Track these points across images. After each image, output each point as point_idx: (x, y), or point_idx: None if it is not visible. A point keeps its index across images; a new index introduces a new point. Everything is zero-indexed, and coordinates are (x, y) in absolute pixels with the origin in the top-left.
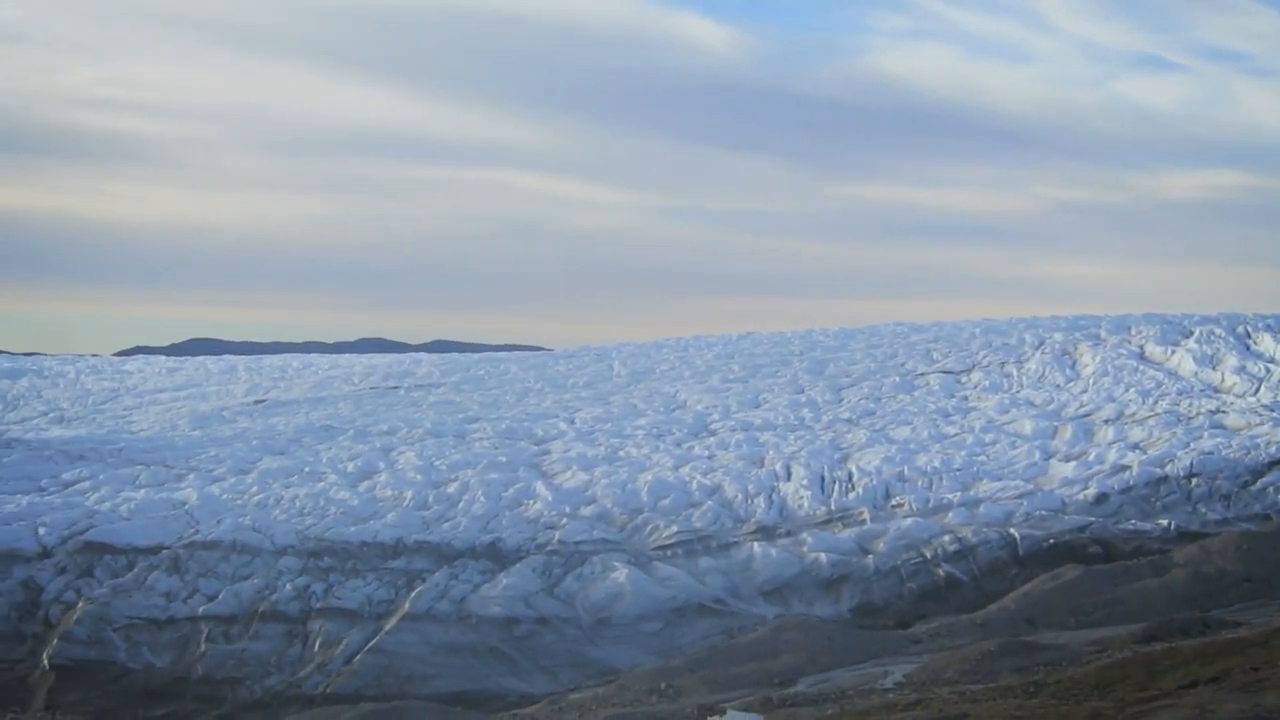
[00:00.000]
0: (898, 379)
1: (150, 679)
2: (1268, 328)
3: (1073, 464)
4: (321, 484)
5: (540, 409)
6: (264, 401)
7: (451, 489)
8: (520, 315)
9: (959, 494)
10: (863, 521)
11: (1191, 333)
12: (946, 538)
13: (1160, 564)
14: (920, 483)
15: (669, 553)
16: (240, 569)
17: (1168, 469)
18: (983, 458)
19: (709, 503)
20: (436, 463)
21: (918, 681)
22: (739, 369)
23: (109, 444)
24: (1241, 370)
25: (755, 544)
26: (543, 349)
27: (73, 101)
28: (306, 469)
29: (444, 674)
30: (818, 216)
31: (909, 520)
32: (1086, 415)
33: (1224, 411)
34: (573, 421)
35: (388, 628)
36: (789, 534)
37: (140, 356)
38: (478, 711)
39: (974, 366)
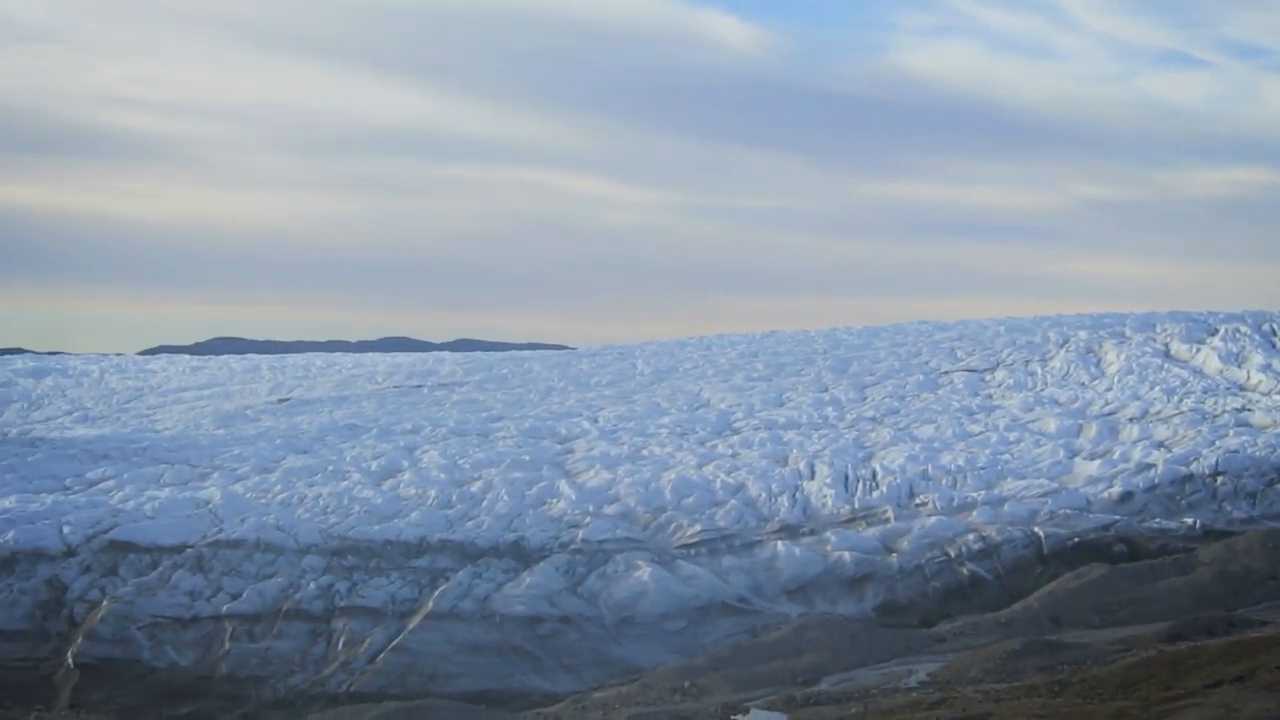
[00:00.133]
0: (922, 377)
1: (174, 677)
2: None
3: (1097, 462)
4: (345, 482)
5: (564, 408)
6: (288, 400)
7: (475, 488)
8: (544, 314)
9: (983, 492)
10: (887, 520)
11: (1217, 330)
12: (971, 536)
13: (1185, 562)
14: (944, 481)
15: (692, 551)
16: (264, 567)
17: (1193, 467)
18: (1007, 456)
19: (733, 501)
20: (460, 461)
21: (942, 680)
22: (763, 367)
23: (133, 443)
24: (1267, 368)
25: (779, 542)
26: (566, 348)
27: (97, 100)
28: (330, 467)
29: (467, 672)
30: (842, 214)
31: (933, 519)
32: (1111, 413)
33: (1249, 409)
34: (596, 420)
35: (411, 626)
36: (813, 532)
37: (164, 355)
38: (501, 710)
39: (998, 365)
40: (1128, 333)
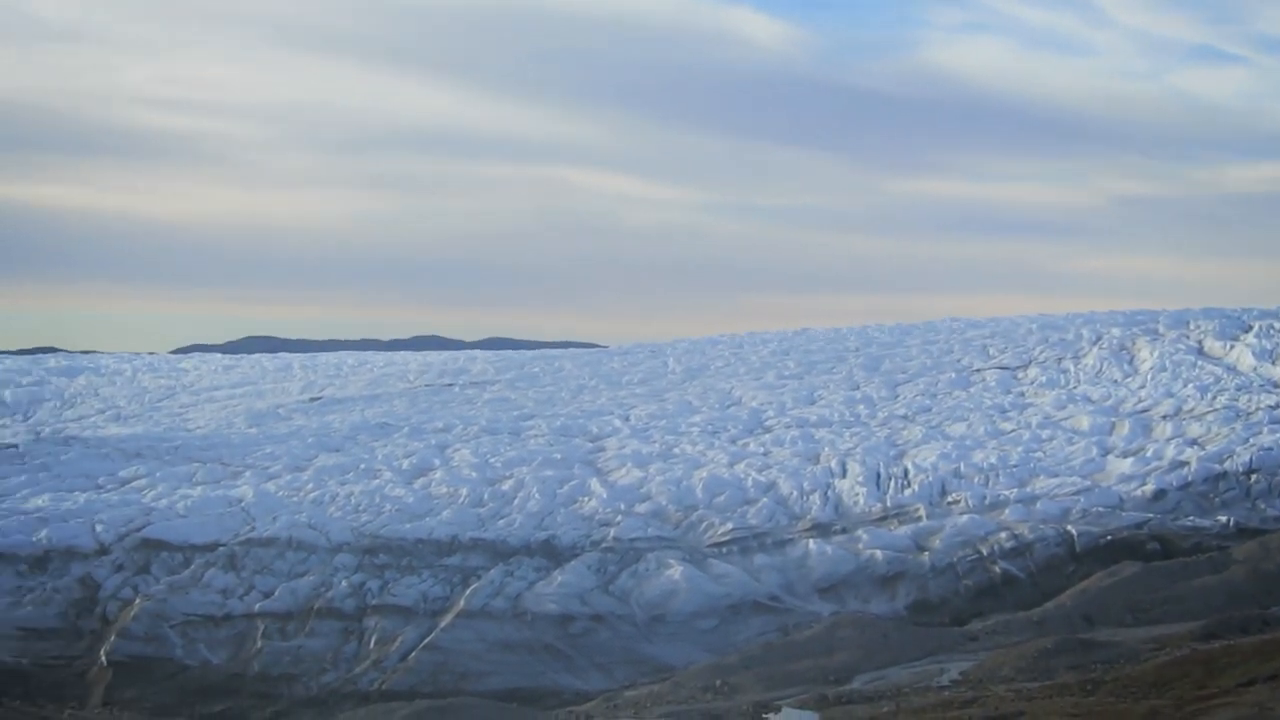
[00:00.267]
0: (954, 375)
1: (206, 675)
2: None
3: (1130, 460)
4: (377, 481)
5: (595, 406)
6: (319, 399)
7: (506, 486)
8: (575, 312)
9: (1015, 490)
10: (918, 518)
11: (1251, 327)
12: (1003, 534)
13: (1219, 561)
14: (976, 479)
15: (724, 550)
16: (296, 566)
17: (1226, 465)
18: (1039, 454)
19: (764, 500)
20: (491, 460)
21: (974, 679)
22: (794, 365)
23: (166, 441)
24: None
25: (810, 541)
26: (597, 346)
27: (129, 101)
28: (362, 466)
29: (499, 671)
30: (874, 212)
31: (965, 517)
32: (1144, 411)
33: None
34: (627, 418)
35: (443, 625)
36: (844, 531)
37: (196, 354)
38: (533, 708)
39: (1031, 362)
40: (1161, 330)
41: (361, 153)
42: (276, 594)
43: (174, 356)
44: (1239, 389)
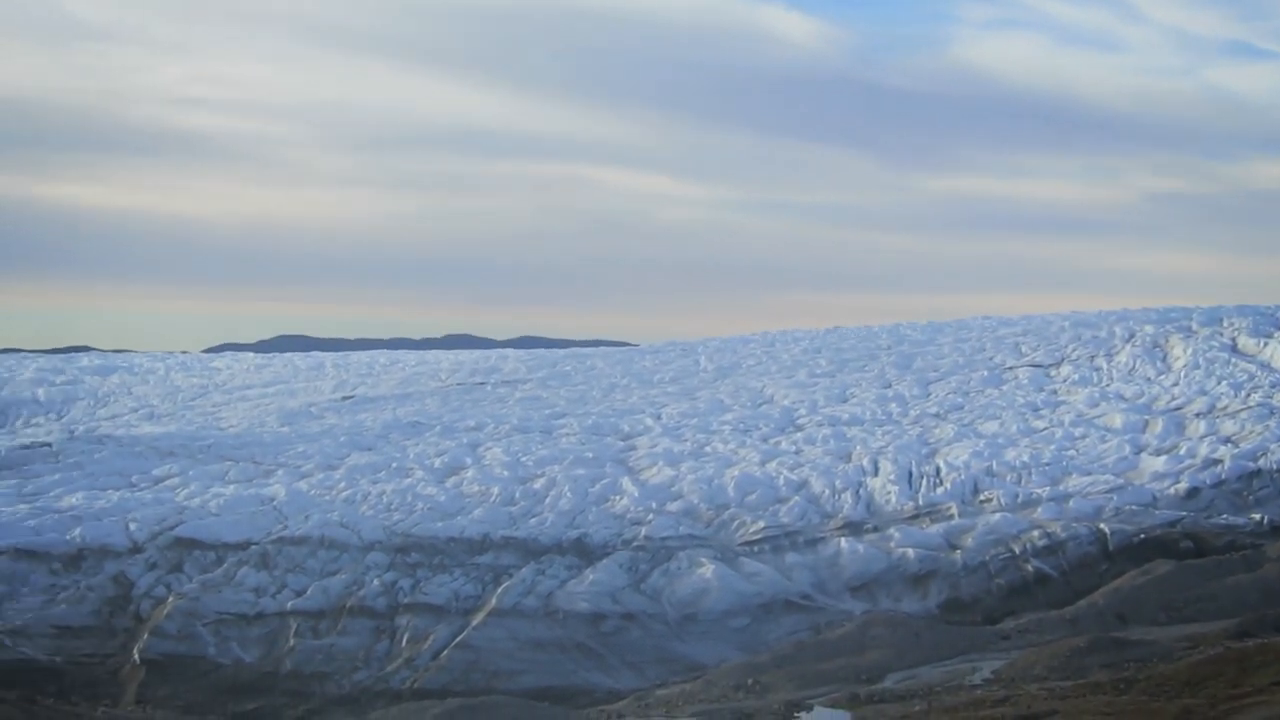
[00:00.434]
0: (986, 373)
1: (239, 674)
2: None
3: (1164, 458)
4: (409, 480)
5: (626, 404)
6: (351, 398)
7: (538, 485)
8: (606, 310)
9: (1048, 489)
10: (951, 517)
11: None
12: (1035, 533)
13: (1253, 559)
14: (1009, 477)
15: (756, 548)
16: (328, 564)
17: (1260, 463)
18: (1072, 452)
19: (796, 498)
20: (523, 459)
21: (1006, 678)
22: (826, 363)
23: (198, 440)
24: None
25: (842, 539)
26: (629, 344)
27: (161, 100)
28: (394, 465)
29: (531, 669)
30: (905, 210)
31: (997, 515)
32: (1178, 409)
33: None
34: (659, 417)
35: (475, 623)
36: (876, 529)
37: (229, 353)
38: (564, 707)
39: (1063, 360)
40: (1194, 327)
41: (394, 152)
42: (309, 592)
43: (206, 355)
44: (1273, 386)
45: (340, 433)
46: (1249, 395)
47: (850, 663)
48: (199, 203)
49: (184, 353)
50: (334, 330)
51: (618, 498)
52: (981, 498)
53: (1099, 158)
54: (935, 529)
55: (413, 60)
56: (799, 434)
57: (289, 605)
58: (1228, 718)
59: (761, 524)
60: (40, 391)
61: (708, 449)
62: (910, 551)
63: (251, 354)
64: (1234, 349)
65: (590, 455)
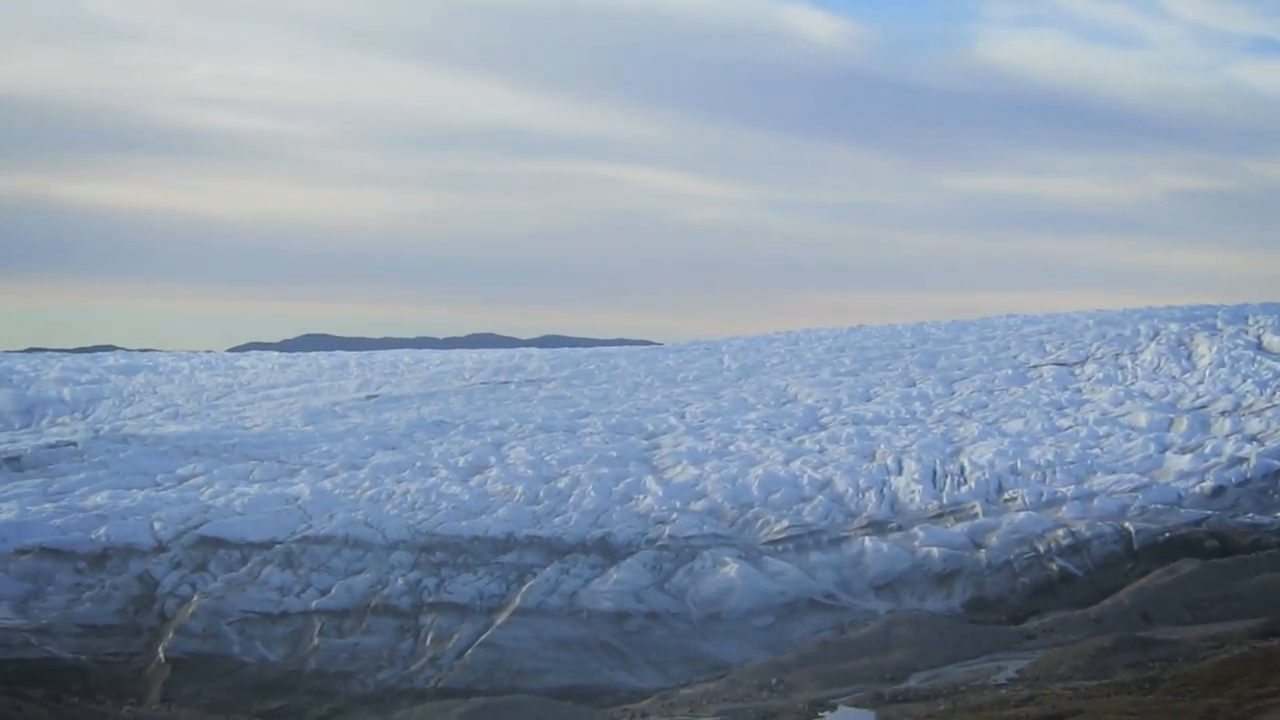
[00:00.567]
0: (1010, 371)
1: (264, 673)
2: None
3: (1189, 456)
4: (433, 479)
5: (650, 403)
6: (376, 397)
7: (562, 484)
8: (630, 310)
9: (1072, 487)
10: (975, 515)
11: None
12: (1060, 532)
13: (1278, 558)
14: (1033, 476)
15: (780, 547)
16: (352, 563)
17: None
18: (1097, 450)
19: (820, 497)
20: (547, 457)
21: (1031, 677)
22: (850, 362)
23: (223, 439)
24: None
25: (866, 538)
26: (652, 343)
27: (187, 99)
28: (418, 464)
29: (555, 668)
30: (929, 208)
31: (1022, 514)
32: (1203, 407)
33: None
34: (683, 416)
35: (499, 622)
36: (900, 528)
37: (254, 352)
38: (588, 706)
39: (1088, 358)
40: (1219, 325)
41: (418, 151)
42: (333, 591)
43: (231, 355)
44: None
45: (364, 432)
46: (1275, 393)
47: (874, 662)
48: (224, 202)
49: (209, 352)
50: (358, 329)
51: (642, 497)
52: (1006, 496)
53: (1123, 155)
54: (959, 528)
55: (439, 60)
56: (823, 433)
57: (313, 604)
58: (1253, 717)
59: (785, 523)
60: (66, 391)
61: (731, 448)
62: (934, 550)
63: (276, 353)
64: (1259, 347)
65: (614, 454)
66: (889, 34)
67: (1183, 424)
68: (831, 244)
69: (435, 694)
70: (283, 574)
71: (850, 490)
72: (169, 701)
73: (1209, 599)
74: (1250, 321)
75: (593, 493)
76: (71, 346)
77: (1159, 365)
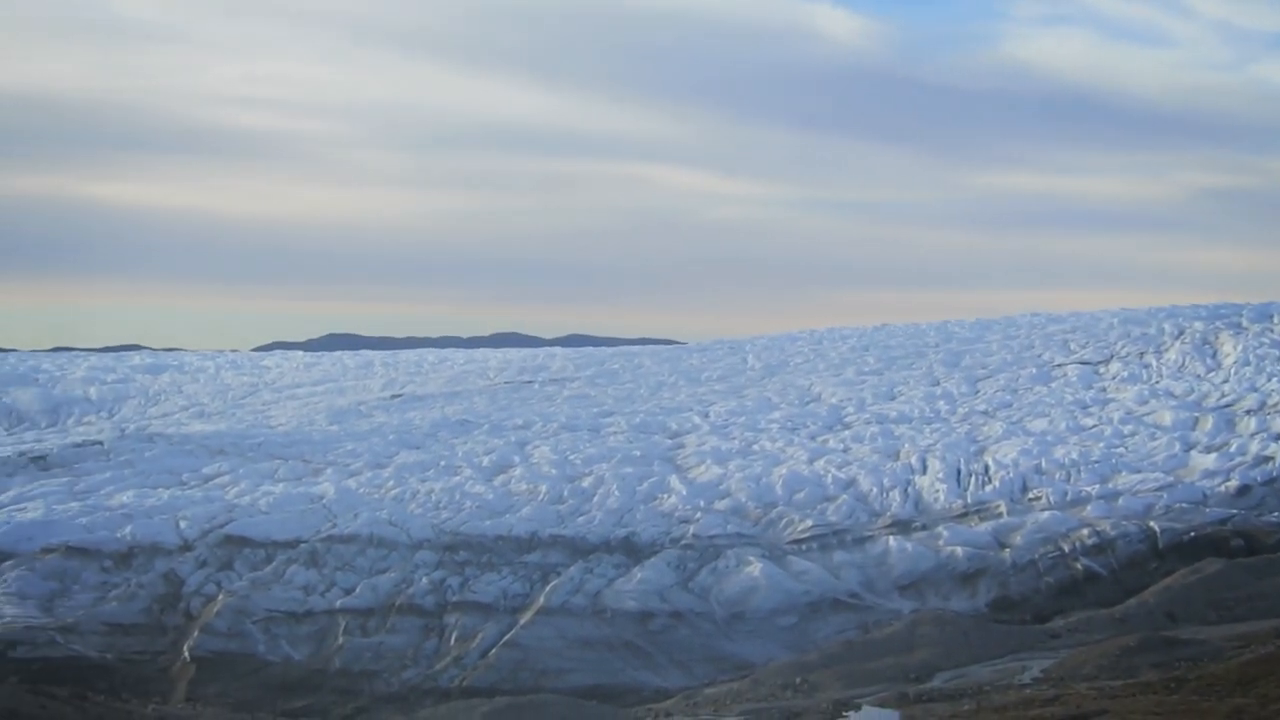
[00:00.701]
0: (1034, 370)
1: (288, 671)
2: None
3: (1214, 455)
4: (457, 478)
5: (674, 403)
6: (400, 396)
7: (586, 483)
8: (654, 309)
9: (1097, 486)
10: (999, 515)
11: None
12: (1085, 531)
13: None
14: (1058, 475)
15: (804, 546)
16: (377, 562)
17: None
18: (1121, 450)
19: (844, 496)
20: (571, 457)
21: (1056, 677)
22: (874, 361)
23: (248, 438)
24: None
25: (890, 538)
26: (676, 342)
27: (214, 99)
28: (442, 463)
29: (579, 668)
30: (953, 206)
31: (1046, 513)
32: (1228, 406)
33: None
34: (707, 415)
35: (523, 621)
36: (924, 527)
37: (278, 352)
38: (612, 705)
39: (1112, 357)
40: (1244, 323)
41: (444, 151)
42: (358, 591)
43: (256, 354)
44: None
45: (389, 431)
46: None
47: (899, 662)
48: (249, 202)
49: (234, 351)
50: (383, 329)
51: (666, 496)
52: (1030, 496)
53: (1147, 153)
54: (984, 527)
55: (463, 60)
56: (847, 432)
57: (338, 603)
58: (1279, 717)
59: (809, 522)
60: (92, 390)
61: (755, 447)
62: (959, 550)
63: (301, 353)
64: None
65: (638, 453)
66: (913, 32)
67: (1208, 423)
68: (856, 242)
69: (459, 693)
70: (307, 573)
71: (874, 489)
72: (194, 700)
73: (1234, 598)
74: (1275, 320)
75: (617, 492)
76: (97, 346)
77: (1184, 364)
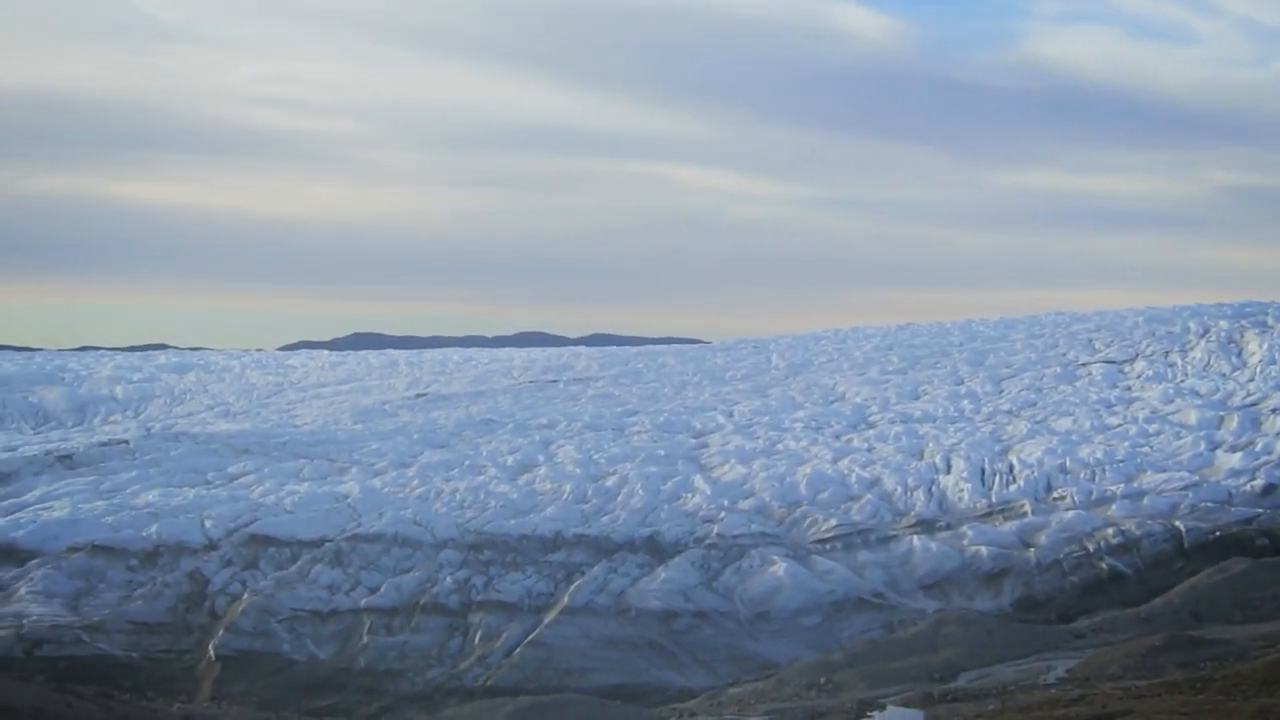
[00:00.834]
0: (1059, 369)
1: (313, 670)
2: None
3: (1239, 454)
4: (481, 477)
5: (698, 402)
6: (425, 395)
7: (610, 482)
8: (678, 308)
9: (1122, 486)
10: (1024, 514)
11: None
12: (1109, 530)
13: None
14: (1082, 474)
15: (828, 546)
16: (401, 562)
17: None
18: (1146, 449)
19: (868, 496)
20: (595, 456)
21: (1081, 677)
22: (898, 360)
23: (273, 438)
24: None
25: (915, 537)
26: (700, 342)
27: (235, 99)
28: (466, 462)
29: (603, 667)
30: (977, 205)
31: (1071, 513)
32: (1253, 404)
33: None
34: (731, 414)
35: (547, 621)
36: (949, 527)
37: (304, 351)
38: (636, 705)
39: (1137, 356)
40: (1269, 321)
41: (466, 150)
42: (382, 590)
43: (282, 353)
44: None
45: (414, 430)
46: None
47: (923, 661)
48: (276, 201)
49: (259, 350)
50: (407, 328)
51: (690, 495)
52: (1055, 495)
53: (1172, 151)
54: (1008, 527)
55: (486, 59)
56: (871, 431)
57: (363, 602)
58: None
59: (834, 522)
60: (118, 389)
61: (780, 446)
62: (983, 549)
63: (326, 352)
64: None
65: (662, 453)
66: (937, 31)
67: (1233, 422)
68: (879, 242)
69: (483, 692)
70: (332, 572)
71: (899, 489)
72: (219, 699)
73: (1260, 598)
74: None
75: (641, 491)
76: (123, 345)
77: (1209, 363)
